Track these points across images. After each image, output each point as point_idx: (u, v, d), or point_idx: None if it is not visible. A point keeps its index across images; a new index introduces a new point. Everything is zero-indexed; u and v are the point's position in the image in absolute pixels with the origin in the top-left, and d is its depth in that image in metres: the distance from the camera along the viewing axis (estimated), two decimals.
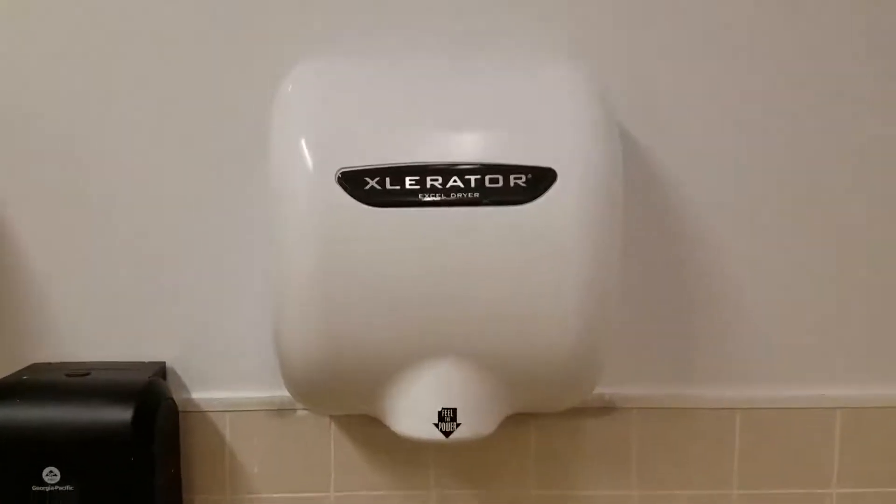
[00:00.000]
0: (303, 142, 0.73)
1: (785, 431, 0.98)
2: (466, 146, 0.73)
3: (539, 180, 0.72)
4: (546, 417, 0.95)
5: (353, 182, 0.71)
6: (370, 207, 0.72)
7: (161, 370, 0.92)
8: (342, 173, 0.72)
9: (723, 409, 0.97)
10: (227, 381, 0.95)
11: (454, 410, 0.75)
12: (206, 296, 0.94)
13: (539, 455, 0.96)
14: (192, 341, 0.94)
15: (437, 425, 0.75)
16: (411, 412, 0.76)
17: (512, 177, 0.72)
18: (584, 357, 0.76)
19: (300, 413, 0.95)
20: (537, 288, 0.73)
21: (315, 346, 0.74)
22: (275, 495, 0.95)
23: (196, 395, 0.95)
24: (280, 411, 0.95)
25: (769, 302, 0.97)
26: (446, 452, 0.96)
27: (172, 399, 0.90)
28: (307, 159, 0.72)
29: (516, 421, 0.93)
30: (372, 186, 0.72)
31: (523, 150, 0.73)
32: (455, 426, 0.75)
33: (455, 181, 0.72)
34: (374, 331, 0.73)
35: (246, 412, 0.95)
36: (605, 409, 0.96)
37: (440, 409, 0.75)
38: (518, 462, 0.96)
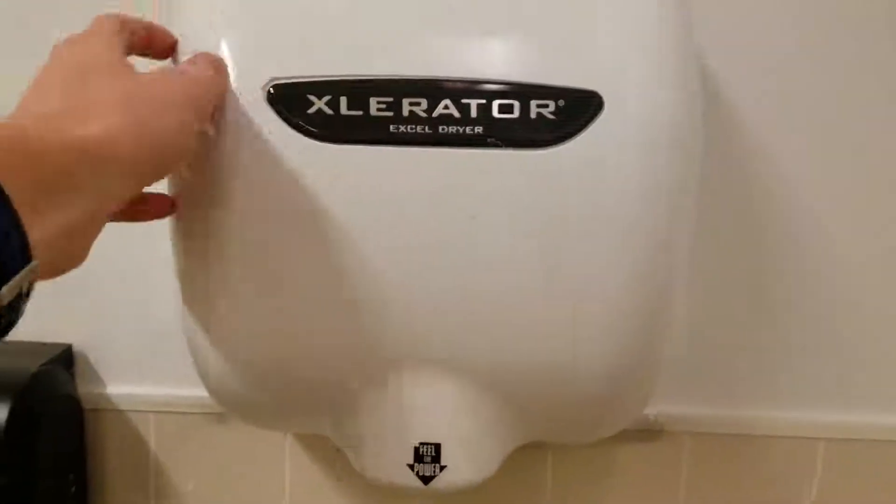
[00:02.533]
0: (223, 44, 0.48)
1: (877, 467, 0.74)
2: (465, 55, 0.48)
3: (575, 110, 0.47)
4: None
5: (291, 101, 0.47)
6: (316, 142, 0.47)
7: (65, 356, 0.70)
8: (273, 87, 0.47)
9: (802, 437, 0.73)
10: (154, 373, 0.72)
11: (437, 447, 0.52)
12: (130, 266, 0.71)
13: (557, 492, 0.73)
14: (110, 320, 0.72)
15: (411, 467, 0.52)
16: (376, 447, 0.53)
17: (534, 104, 0.47)
18: (632, 370, 0.51)
19: None
20: (567, 272, 0.48)
21: (237, 348, 0.51)
22: None
23: (112, 389, 0.73)
24: (222, 415, 0.73)
25: (874, 309, 0.72)
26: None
27: (72, 395, 0.68)
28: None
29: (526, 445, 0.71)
30: (319, 109, 0.47)
31: (553, 64, 0.47)
32: (437, 469, 0.52)
33: (447, 107, 0.47)
34: (321, 329, 0.49)
35: (177, 414, 0.72)
36: (647, 432, 0.72)
37: (416, 445, 0.52)
38: (529, 499, 0.73)
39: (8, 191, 0.32)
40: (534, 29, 0.48)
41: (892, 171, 0.70)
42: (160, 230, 0.52)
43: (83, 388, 0.71)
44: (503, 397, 0.52)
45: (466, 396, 0.51)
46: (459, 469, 0.52)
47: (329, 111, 0.47)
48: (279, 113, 0.47)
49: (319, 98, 0.47)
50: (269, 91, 0.47)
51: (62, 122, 0.36)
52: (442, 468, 0.51)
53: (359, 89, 0.47)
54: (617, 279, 0.48)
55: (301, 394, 0.53)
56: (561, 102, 0.46)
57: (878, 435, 0.72)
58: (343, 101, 0.47)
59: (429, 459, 0.51)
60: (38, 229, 0.33)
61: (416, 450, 0.51)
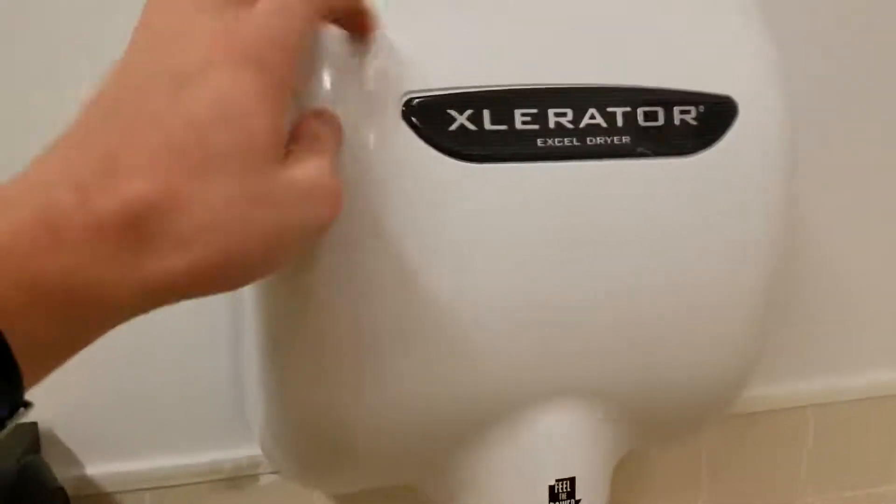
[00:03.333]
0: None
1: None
2: (605, 61, 0.44)
3: (714, 116, 0.45)
4: None
5: (429, 116, 0.40)
6: (458, 162, 0.41)
7: (29, 436, 0.56)
8: (410, 101, 0.40)
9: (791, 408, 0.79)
10: (142, 444, 0.60)
11: (572, 482, 0.48)
12: None
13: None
14: (77, 386, 0.58)
15: None
16: (503, 493, 0.48)
17: (677, 110, 0.45)
18: (747, 376, 0.51)
19: (265, 479, 0.63)
20: (712, 286, 0.47)
21: (359, 395, 0.43)
22: None
23: (94, 469, 0.59)
24: (233, 480, 0.62)
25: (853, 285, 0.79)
26: None
27: (61, 486, 0.54)
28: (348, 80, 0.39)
29: None
30: (461, 125, 0.41)
31: (689, 69, 0.45)
32: None
33: (593, 116, 0.43)
34: (460, 364, 0.43)
35: (177, 488, 0.60)
36: None
37: (552, 483, 0.48)
38: None
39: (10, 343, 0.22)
40: (661, 34, 0.46)
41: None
42: None
43: (58, 474, 0.57)
44: (634, 420, 0.49)
45: (599, 424, 0.48)
46: (591, 501, 0.49)
47: (471, 126, 0.41)
48: (415, 128, 0.40)
49: (460, 112, 0.41)
50: (404, 104, 0.40)
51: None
52: (578, 502, 0.48)
53: (502, 102, 0.41)
54: (753, 289, 0.48)
55: (427, 443, 0.46)
56: (701, 108, 0.45)
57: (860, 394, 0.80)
58: (486, 114, 0.41)
59: (564, 496, 0.47)
60: (33, 377, 0.24)
61: (552, 489, 0.47)
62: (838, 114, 0.76)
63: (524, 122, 0.42)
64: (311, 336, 0.43)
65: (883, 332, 0.82)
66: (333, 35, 0.38)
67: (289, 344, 0.44)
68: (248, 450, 0.62)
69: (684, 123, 0.44)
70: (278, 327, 0.44)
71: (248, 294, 0.47)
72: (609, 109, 0.43)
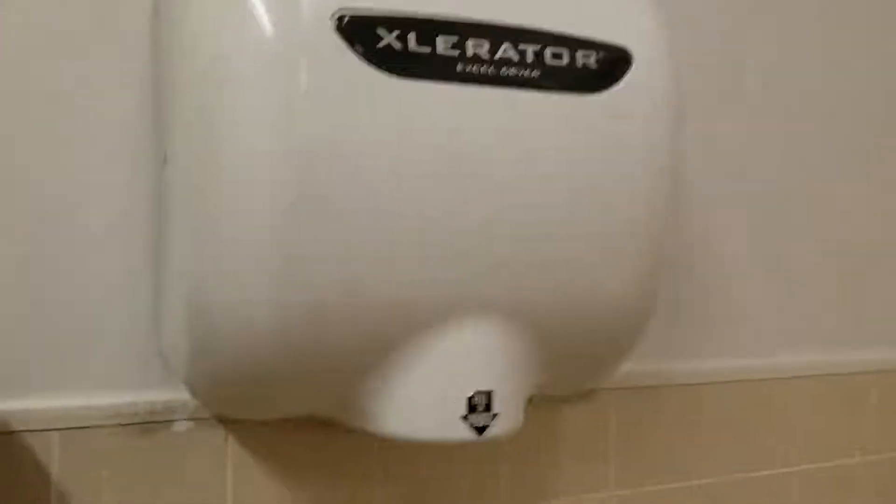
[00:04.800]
0: None
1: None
2: (523, 5, 0.50)
3: (612, 62, 0.52)
4: None
5: (362, 34, 0.44)
6: (385, 75, 0.45)
7: None
8: (344, 19, 0.44)
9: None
10: (53, 381, 0.59)
11: (489, 395, 0.51)
12: (20, 250, 0.58)
13: (513, 458, 0.75)
14: None
15: (465, 419, 0.50)
16: (423, 402, 0.50)
17: (580, 53, 0.50)
18: (648, 300, 0.56)
19: (179, 426, 0.62)
20: (608, 206, 0.52)
21: (283, 301, 0.45)
22: None
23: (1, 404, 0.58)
24: (146, 426, 0.61)
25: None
26: (392, 475, 0.70)
27: None
28: None
29: None
30: (389, 44, 0.45)
31: (592, 22, 0.52)
32: (491, 418, 0.51)
33: (506, 50, 0.48)
34: (377, 272, 0.47)
35: (87, 429, 0.59)
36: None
37: (471, 395, 0.51)
38: (487, 468, 0.74)
39: None
40: None
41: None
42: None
43: None
44: (541, 338, 0.53)
45: (513, 339, 0.52)
46: (507, 417, 0.52)
47: (398, 46, 0.45)
48: (349, 43, 0.44)
49: (389, 32, 0.45)
50: (337, 20, 0.44)
51: None
52: (494, 416, 0.51)
53: (428, 27, 0.46)
54: (644, 215, 0.53)
55: (350, 355, 0.48)
56: (601, 54, 0.51)
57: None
58: (412, 36, 0.46)
59: (482, 409, 0.50)
60: None
61: (470, 400, 0.50)
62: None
63: (445, 48, 0.46)
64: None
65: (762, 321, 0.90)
66: None
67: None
68: (164, 393, 0.62)
69: (585, 66, 0.50)
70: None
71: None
72: (521, 46, 0.49)
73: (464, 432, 0.50)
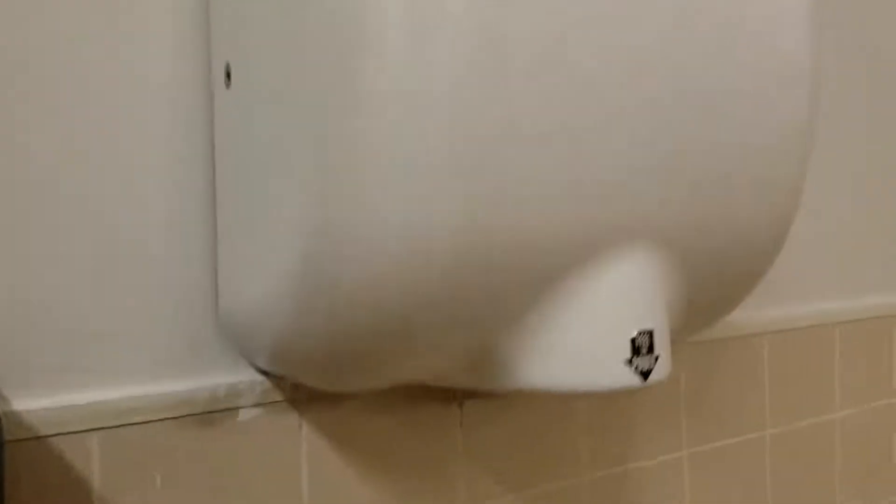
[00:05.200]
0: None
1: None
2: None
3: None
4: None
5: None
6: None
7: None
8: None
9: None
10: (89, 372, 0.47)
11: (650, 335, 0.43)
12: (35, 228, 0.46)
13: (591, 423, 0.67)
14: (12, 311, 0.45)
15: (630, 362, 0.42)
16: (581, 347, 0.41)
17: None
18: (786, 226, 0.49)
19: (246, 413, 0.51)
20: (753, 125, 0.44)
21: (450, 227, 0.36)
22: None
23: (25, 404, 0.45)
24: (206, 416, 0.50)
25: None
26: (479, 448, 0.61)
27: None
28: None
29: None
30: None
31: None
32: (654, 360, 0.43)
33: None
34: (533, 202, 0.37)
35: (133, 427, 0.48)
36: None
37: (635, 335, 0.42)
38: (567, 435, 0.65)
39: None
40: None
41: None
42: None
43: None
44: (691, 270, 0.45)
45: (667, 274, 0.43)
46: (666, 359, 0.44)
47: None
48: None
49: None
50: None
51: None
52: (656, 359, 0.43)
53: None
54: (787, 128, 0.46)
55: (490, 294, 0.39)
56: None
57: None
58: None
59: (645, 350, 0.42)
60: None
61: (633, 341, 0.42)
62: None
63: None
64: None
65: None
66: None
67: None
68: (225, 376, 0.51)
69: None
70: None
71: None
72: None
73: (628, 378, 0.41)
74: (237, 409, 0.51)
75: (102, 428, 0.47)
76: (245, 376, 0.52)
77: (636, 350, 0.42)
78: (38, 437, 0.45)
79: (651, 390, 0.69)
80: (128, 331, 0.48)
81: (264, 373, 0.52)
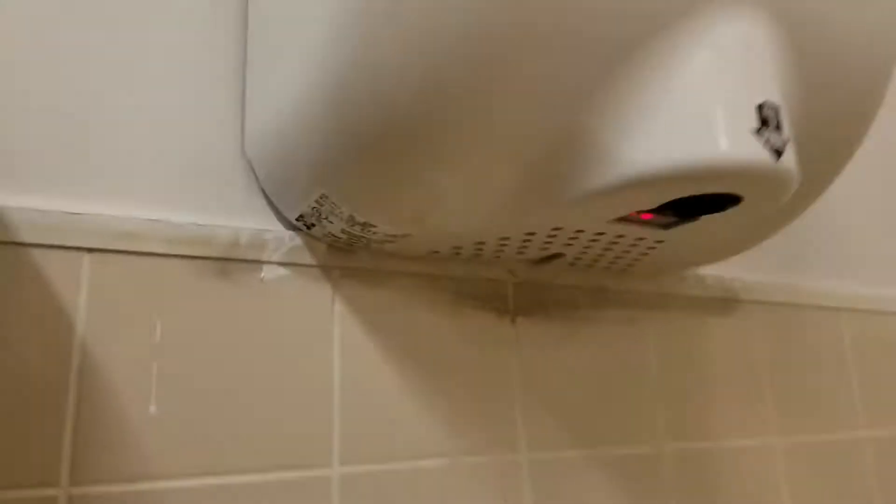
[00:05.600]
0: None
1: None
2: None
3: None
4: (663, 325, 0.57)
5: None
6: None
7: None
8: None
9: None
10: (92, 180, 0.39)
11: (777, 112, 0.35)
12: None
13: (662, 373, 0.57)
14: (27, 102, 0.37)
15: (759, 133, 0.34)
16: (699, 108, 0.34)
17: None
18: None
19: (271, 272, 0.42)
20: None
21: None
22: (194, 482, 0.39)
23: (14, 200, 0.37)
24: (223, 263, 0.41)
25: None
26: (533, 371, 0.51)
27: None
28: None
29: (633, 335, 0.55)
30: None
31: None
32: (784, 142, 0.35)
33: None
34: None
35: (135, 255, 0.39)
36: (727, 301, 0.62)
37: (761, 103, 0.35)
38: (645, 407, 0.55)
39: None
40: None
41: None
42: None
43: None
44: (808, 64, 0.39)
45: (784, 60, 0.37)
46: (793, 153, 0.36)
47: None
48: None
49: None
50: None
51: None
52: (786, 142, 0.35)
53: None
54: None
55: (590, 46, 0.32)
56: None
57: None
58: None
59: (774, 126, 0.35)
60: None
61: (760, 109, 0.34)
62: None
63: None
64: None
65: None
66: None
67: None
68: (247, 222, 0.42)
69: None
70: None
71: None
72: None
73: (758, 151, 0.34)
74: (260, 263, 0.42)
75: (98, 250, 0.38)
76: (272, 226, 0.43)
77: (764, 121, 0.34)
78: (22, 244, 0.36)
79: (730, 347, 0.61)
80: (146, 146, 0.41)
81: (294, 229, 0.44)
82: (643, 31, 0.34)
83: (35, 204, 0.36)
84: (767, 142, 0.34)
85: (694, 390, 0.58)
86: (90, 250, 0.37)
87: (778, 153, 0.34)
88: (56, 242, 0.36)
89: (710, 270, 0.62)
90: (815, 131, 0.42)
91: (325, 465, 0.41)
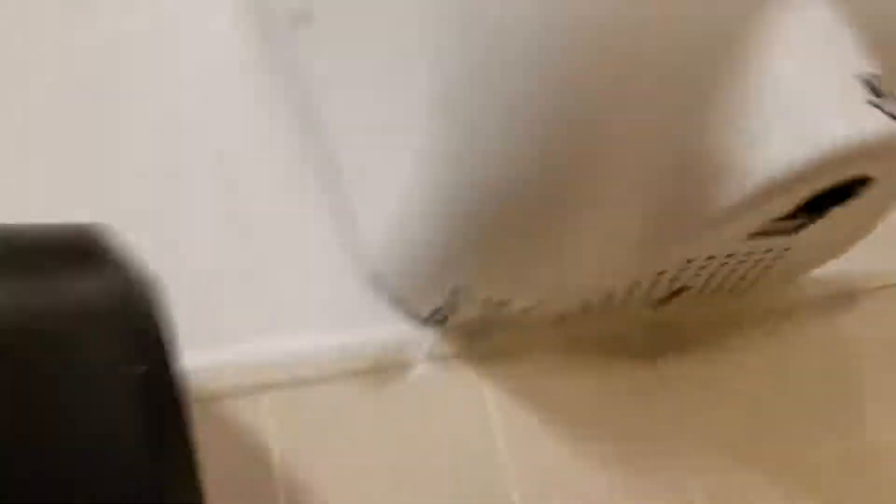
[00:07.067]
0: None
1: None
2: None
3: None
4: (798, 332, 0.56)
5: None
6: None
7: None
8: None
9: None
10: (250, 323, 0.41)
11: (877, 79, 0.36)
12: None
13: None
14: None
15: (875, 105, 0.35)
16: (812, 98, 0.35)
17: None
18: None
19: (422, 369, 0.43)
20: None
21: None
22: None
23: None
24: (378, 374, 0.42)
25: None
26: (684, 415, 0.49)
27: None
28: None
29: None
30: None
31: None
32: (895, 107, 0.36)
33: None
34: None
35: (311, 385, 0.40)
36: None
37: (863, 74, 0.36)
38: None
39: None
40: None
41: None
42: None
43: None
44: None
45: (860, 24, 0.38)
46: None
47: None
48: None
49: None
50: None
51: None
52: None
53: None
54: None
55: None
56: None
57: None
58: None
59: (883, 93, 0.35)
60: None
61: (866, 81, 0.35)
62: None
63: None
64: None
65: None
66: None
67: None
68: (386, 330, 0.43)
69: None
70: None
71: None
72: None
73: (882, 120, 0.34)
74: (408, 364, 0.43)
75: (274, 386, 0.39)
76: (407, 328, 0.44)
77: (875, 91, 0.35)
78: (203, 400, 0.37)
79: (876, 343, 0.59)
80: (279, 288, 0.43)
81: (428, 324, 0.45)
82: (728, 38, 0.35)
83: (210, 358, 0.38)
84: (885, 109, 0.35)
85: (845, 383, 0.56)
86: (271, 387, 0.39)
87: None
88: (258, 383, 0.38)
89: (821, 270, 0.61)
90: None
91: None
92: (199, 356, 0.38)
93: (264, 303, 0.41)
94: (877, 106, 0.35)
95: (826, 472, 0.52)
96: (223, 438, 0.36)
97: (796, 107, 0.35)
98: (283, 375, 0.39)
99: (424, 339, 0.44)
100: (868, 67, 0.36)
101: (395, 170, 0.40)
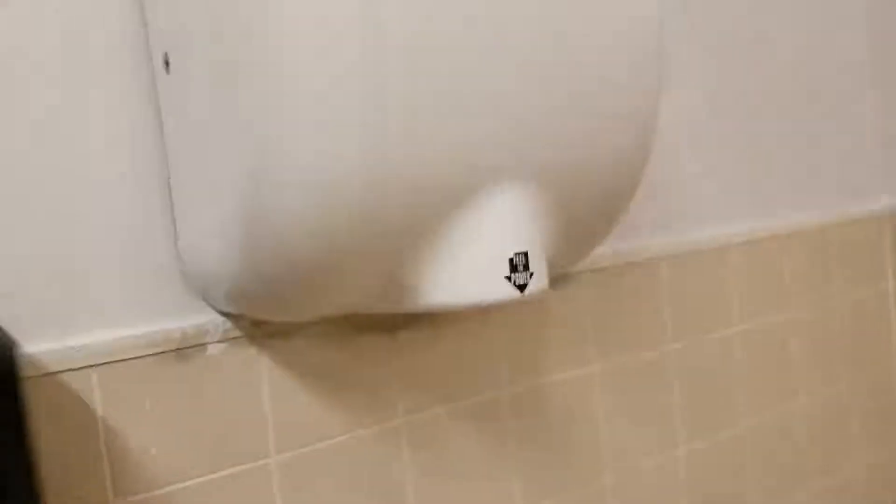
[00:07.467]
0: None
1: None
2: None
3: None
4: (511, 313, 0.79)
5: None
6: None
7: None
8: None
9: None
10: (82, 317, 0.58)
11: (526, 256, 0.55)
12: (25, 177, 0.56)
13: (510, 345, 0.80)
14: (15, 264, 0.56)
15: (509, 279, 0.54)
16: (469, 267, 0.53)
17: None
18: (644, 158, 0.62)
19: (213, 349, 0.63)
20: (609, 62, 0.56)
21: (355, 166, 0.47)
22: (189, 483, 0.62)
23: (34, 347, 0.56)
24: (179, 352, 0.62)
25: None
26: (412, 370, 0.73)
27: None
28: None
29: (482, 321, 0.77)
30: None
31: None
32: (529, 276, 0.55)
33: None
34: (447, 136, 0.50)
35: (123, 362, 0.59)
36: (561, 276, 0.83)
37: (511, 256, 0.54)
38: (488, 359, 0.78)
39: None
40: None
41: None
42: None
43: None
44: (561, 200, 0.57)
45: (540, 204, 0.56)
46: (540, 276, 0.56)
47: None
48: None
49: None
50: None
51: None
52: (531, 276, 0.55)
53: None
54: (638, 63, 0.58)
55: (400, 220, 0.51)
56: None
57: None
58: None
59: (521, 268, 0.54)
60: None
61: (511, 261, 0.54)
62: None
63: None
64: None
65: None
66: None
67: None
68: (193, 317, 0.62)
69: None
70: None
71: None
72: None
73: (508, 291, 0.54)
74: (205, 344, 0.62)
75: (99, 364, 0.58)
76: (209, 317, 0.63)
77: (514, 267, 0.54)
78: (49, 374, 0.56)
79: (561, 314, 0.83)
80: (105, 282, 0.60)
81: (225, 314, 0.64)
82: (439, 209, 0.52)
83: (51, 346, 0.56)
84: (514, 282, 0.54)
85: (529, 347, 0.81)
86: (98, 365, 0.58)
87: (522, 288, 0.54)
88: (73, 367, 0.57)
89: None
90: (580, 220, 0.61)
91: (264, 456, 0.64)
92: (39, 342, 0.56)
93: (91, 293, 0.58)
94: (509, 279, 0.53)
95: (503, 408, 0.78)
96: (58, 407, 0.56)
97: (464, 269, 0.53)
98: (106, 357, 0.58)
99: (219, 325, 0.63)
100: (523, 247, 0.54)
101: (207, 213, 0.56)
